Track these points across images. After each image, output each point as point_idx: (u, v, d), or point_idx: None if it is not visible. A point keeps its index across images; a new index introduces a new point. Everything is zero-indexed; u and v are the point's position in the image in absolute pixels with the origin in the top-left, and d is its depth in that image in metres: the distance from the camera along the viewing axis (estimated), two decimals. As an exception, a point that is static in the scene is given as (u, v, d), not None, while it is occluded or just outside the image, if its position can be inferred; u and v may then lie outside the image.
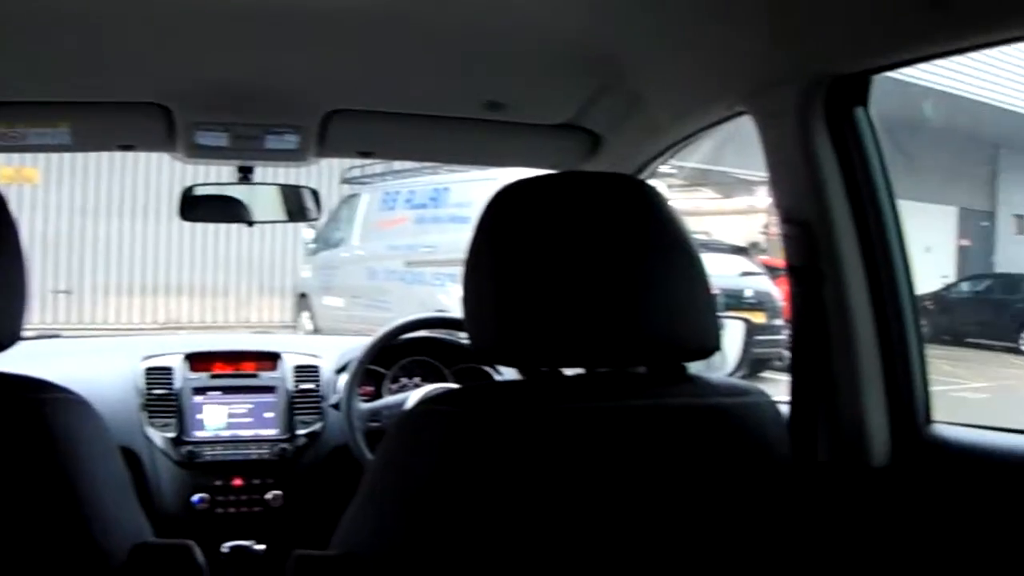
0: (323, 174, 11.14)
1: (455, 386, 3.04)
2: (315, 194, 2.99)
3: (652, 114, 2.29)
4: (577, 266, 1.45)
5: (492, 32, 2.08)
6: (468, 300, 1.54)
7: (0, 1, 1.93)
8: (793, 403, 1.85)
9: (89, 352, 3.44)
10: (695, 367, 1.60)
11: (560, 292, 1.44)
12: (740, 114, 2.00)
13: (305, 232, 13.71)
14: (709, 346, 1.55)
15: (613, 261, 1.46)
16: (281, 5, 1.95)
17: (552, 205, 1.50)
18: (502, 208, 1.52)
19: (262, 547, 2.93)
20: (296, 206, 2.98)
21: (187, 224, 15.58)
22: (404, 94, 2.45)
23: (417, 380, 3.16)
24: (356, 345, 3.11)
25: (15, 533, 1.42)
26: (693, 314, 1.52)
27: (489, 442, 1.43)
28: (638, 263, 1.47)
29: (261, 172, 2.80)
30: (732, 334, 2.73)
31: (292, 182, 2.99)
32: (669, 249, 1.51)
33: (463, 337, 3.28)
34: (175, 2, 1.94)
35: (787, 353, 1.93)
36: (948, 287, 17.75)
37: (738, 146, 11.03)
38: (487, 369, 3.20)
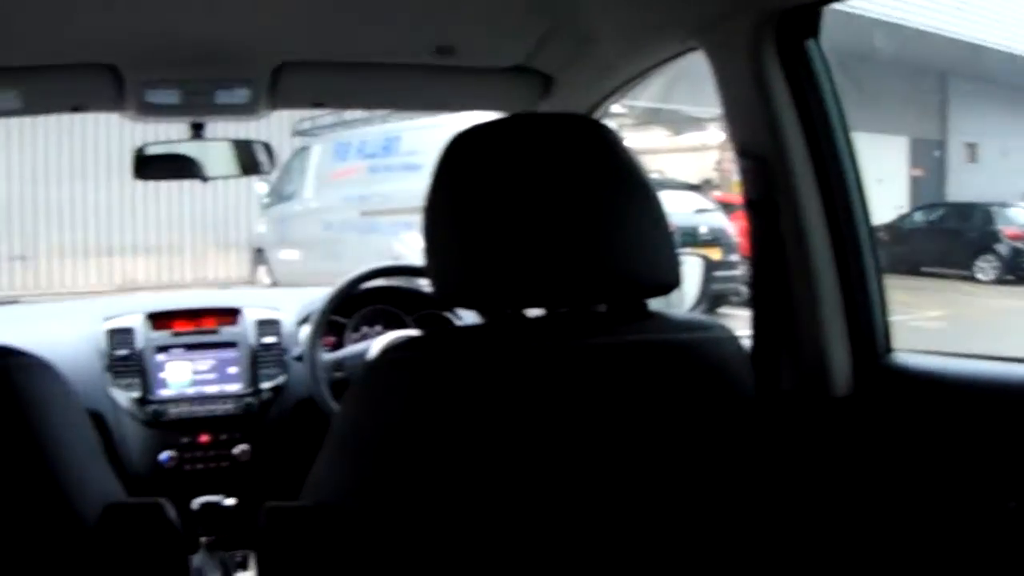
0: (273, 127, 11.06)
1: (417, 333, 3.05)
2: (267, 147, 2.98)
3: (603, 53, 2.29)
4: (536, 207, 1.46)
5: None
6: (429, 246, 1.55)
7: None
8: (755, 336, 1.87)
9: (50, 316, 3.42)
10: (655, 304, 1.61)
11: (520, 233, 1.45)
12: (692, 50, 2.01)
13: (258, 187, 13.65)
14: (669, 282, 1.56)
15: (571, 201, 1.47)
16: None
17: (508, 148, 1.50)
18: (459, 154, 1.52)
19: (232, 501, 2.94)
20: (249, 160, 2.96)
21: (140, 184, 15.38)
22: (354, 43, 2.44)
23: (379, 328, 3.17)
24: (316, 297, 3.11)
25: None
26: (652, 251, 1.53)
27: (454, 386, 1.44)
28: (596, 202, 1.48)
29: (211, 128, 2.79)
30: (690, 271, 2.74)
31: (243, 136, 2.98)
32: (626, 187, 1.52)
33: (422, 285, 3.29)
34: None
35: (744, 288, 1.95)
36: (902, 217, 17.90)
37: (688, 84, 11.06)
38: (447, 315, 3.21)
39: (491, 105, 2.72)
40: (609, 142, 1.54)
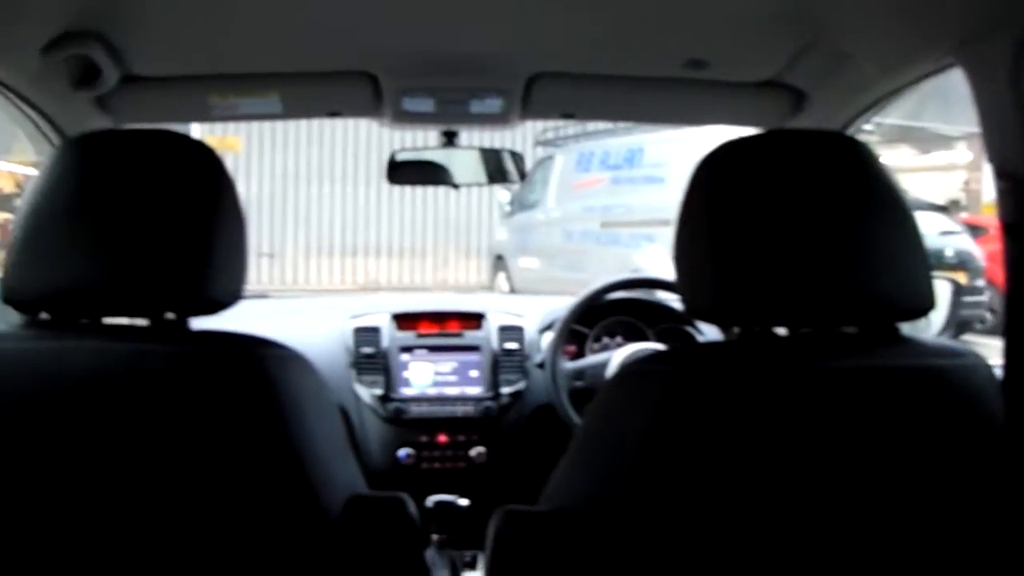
0: (516, 137, 11.19)
1: (659, 346, 3.05)
2: (516, 157, 3.02)
3: (858, 70, 2.24)
4: (791, 225, 1.44)
5: None
6: (680, 260, 1.54)
7: None
8: (1007, 367, 1.80)
9: (300, 312, 3.55)
10: (903, 329, 1.57)
11: (774, 251, 1.43)
12: (949, 67, 1.95)
13: (501, 195, 13.80)
14: (923, 306, 1.52)
15: (827, 220, 1.44)
16: None
17: (764, 165, 1.48)
18: (715, 168, 1.51)
19: (466, 502, 2.99)
20: (496, 169, 3.02)
21: (385, 187, 16.00)
22: (606, 55, 2.45)
23: (619, 340, 3.18)
24: (559, 305, 3.14)
25: (237, 486, 1.47)
26: (908, 273, 1.50)
27: (702, 402, 1.43)
28: (852, 221, 1.45)
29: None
30: (939, 295, 2.66)
31: (487, 145, 3.03)
32: (883, 208, 1.48)
33: (664, 297, 3.28)
34: None
35: (989, 315, 1.87)
36: None
37: (940, 101, 10.70)
38: (689, 330, 3.20)
39: (742, 120, 2.70)
40: (867, 161, 1.51)
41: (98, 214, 1.51)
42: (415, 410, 3.04)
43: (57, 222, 1.52)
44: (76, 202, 1.52)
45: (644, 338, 3.16)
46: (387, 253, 17.59)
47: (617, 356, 2.98)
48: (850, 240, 1.44)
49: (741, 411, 1.43)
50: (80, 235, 1.51)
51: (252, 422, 1.49)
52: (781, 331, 1.56)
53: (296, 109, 2.72)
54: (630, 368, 1.56)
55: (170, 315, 1.57)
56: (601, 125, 10.90)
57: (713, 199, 1.49)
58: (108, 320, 1.59)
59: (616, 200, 10.93)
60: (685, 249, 1.53)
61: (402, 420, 3.03)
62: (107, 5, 2.08)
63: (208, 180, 1.54)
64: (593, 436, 1.56)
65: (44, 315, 1.58)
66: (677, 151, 9.36)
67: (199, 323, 1.59)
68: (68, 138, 2.35)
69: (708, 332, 3.16)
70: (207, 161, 1.56)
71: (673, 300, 3.21)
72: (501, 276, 13.77)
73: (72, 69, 2.30)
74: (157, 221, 1.50)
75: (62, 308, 1.57)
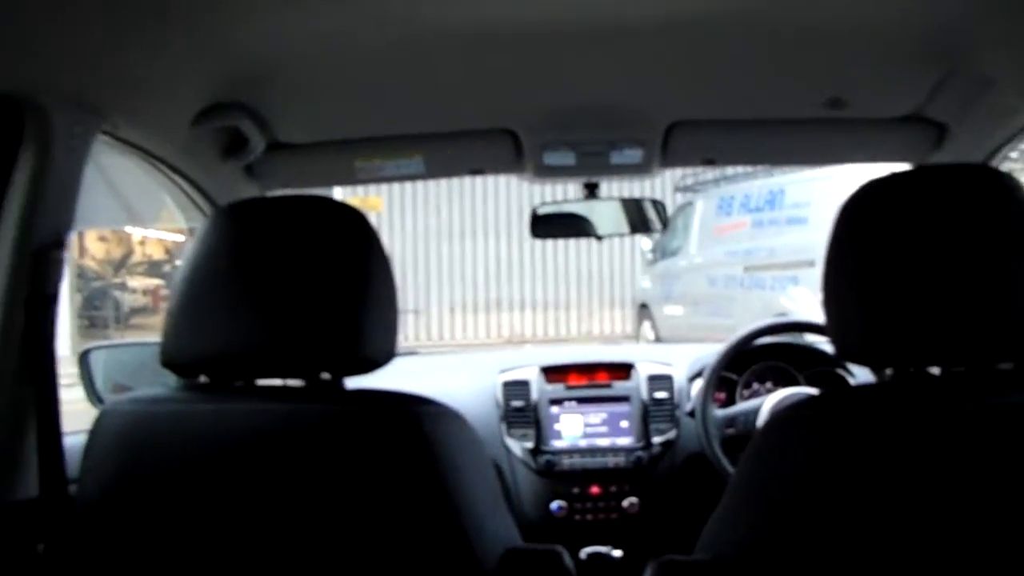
0: (656, 184, 11.18)
1: (811, 390, 3.01)
2: (658, 205, 3.03)
3: (1001, 98, 2.20)
4: (940, 263, 1.41)
5: (835, 29, 2.05)
6: (828, 302, 1.53)
7: (354, 45, 2.05)
8: None
9: (449, 367, 3.58)
10: None
11: (924, 290, 1.41)
12: None
13: (643, 243, 13.78)
14: None
15: (976, 255, 1.42)
16: (623, 24, 1.98)
17: (911, 202, 1.46)
18: (861, 208, 1.50)
19: (620, 553, 2.98)
20: (639, 218, 3.03)
21: (527, 241, 16.10)
22: (745, 99, 2.45)
23: (769, 385, 3.15)
24: (707, 352, 3.13)
25: (395, 540, 1.50)
26: None
27: (857, 447, 1.41)
28: (1002, 255, 1.43)
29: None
30: None
31: (626, 195, 3.04)
32: None
33: (813, 341, 3.24)
34: (520, 32, 2.00)
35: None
36: None
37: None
38: (840, 372, 3.15)
39: (884, 156, 2.67)
40: (1014, 193, 1.48)
41: (254, 279, 1.55)
42: (566, 462, 3.04)
43: (213, 288, 1.57)
44: (232, 268, 1.57)
45: (794, 383, 3.12)
46: (531, 306, 17.66)
47: (768, 402, 2.95)
48: (1001, 275, 1.42)
49: (898, 454, 1.40)
50: (237, 300, 1.56)
51: (409, 479, 1.51)
52: (934, 370, 1.54)
53: (439, 168, 2.76)
54: (782, 414, 1.55)
55: (325, 375, 1.61)
56: (740, 168, 10.82)
57: (859, 239, 1.48)
58: (261, 381, 1.63)
59: (759, 243, 10.82)
60: (833, 290, 1.52)
61: (554, 472, 3.03)
62: (254, 78, 2.15)
63: (359, 242, 1.58)
64: (748, 484, 1.55)
65: (203, 378, 1.63)
66: (819, 191, 9.24)
67: (353, 382, 1.63)
68: (220, 206, 2.42)
69: (860, 374, 3.11)
70: (357, 224, 1.60)
71: (823, 343, 3.17)
72: (646, 325, 13.72)
73: (220, 139, 2.38)
74: (312, 284, 1.54)
75: (220, 371, 1.62)
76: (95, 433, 1.63)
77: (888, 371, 1.57)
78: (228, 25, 1.91)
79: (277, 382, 1.65)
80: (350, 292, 1.54)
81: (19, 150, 1.79)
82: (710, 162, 2.92)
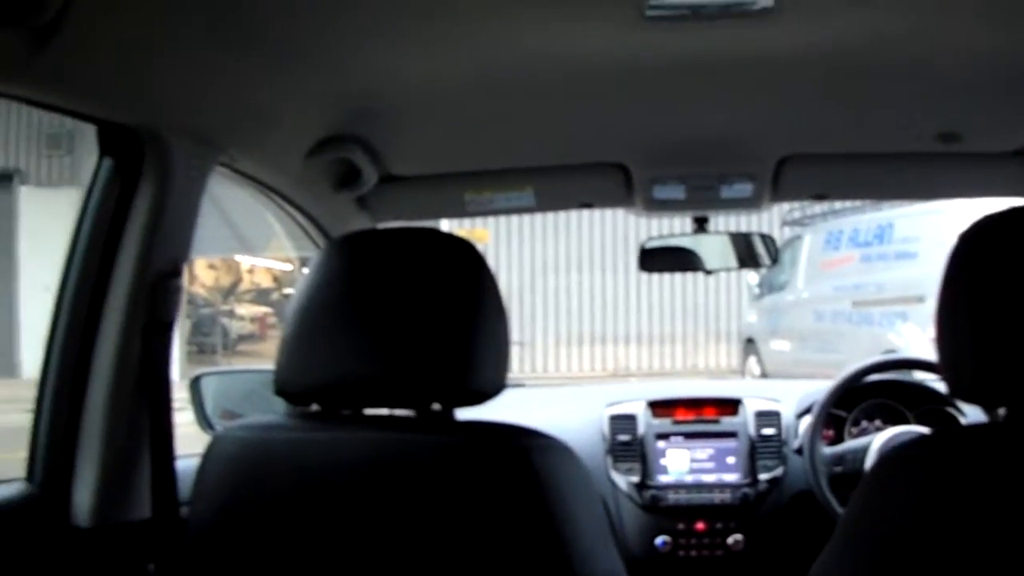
0: (763, 218, 11.09)
1: (921, 429, 2.96)
2: (767, 240, 3.01)
3: None
4: None
5: (947, 62, 2.03)
6: (942, 339, 1.51)
7: (466, 79, 2.07)
8: None
9: (556, 400, 3.59)
10: None
11: None
12: None
13: (750, 277, 13.69)
14: None
15: None
16: (734, 58, 1.98)
17: None
18: (976, 243, 1.48)
19: None
20: (747, 253, 3.01)
21: (633, 274, 16.08)
22: (857, 134, 2.43)
23: (878, 423, 3.10)
24: (815, 389, 3.09)
25: (502, 571, 1.50)
26: None
27: (970, 488, 1.39)
28: None
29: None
30: None
31: (732, 229, 3.03)
32: None
33: (924, 379, 3.20)
34: (631, 66, 2.01)
35: None
36: None
37: None
38: (951, 411, 3.10)
39: (997, 191, 2.64)
40: None
41: (368, 310, 1.57)
42: (672, 497, 3.03)
43: (328, 318, 1.60)
44: (346, 299, 1.60)
45: (904, 421, 3.08)
46: (636, 340, 17.62)
47: (877, 440, 2.91)
48: None
49: (1011, 497, 1.38)
50: (351, 330, 1.58)
51: (518, 512, 1.51)
52: None
53: (549, 202, 2.78)
54: (892, 453, 1.52)
55: (436, 406, 1.62)
56: (849, 202, 10.71)
57: (975, 274, 1.46)
58: (369, 411, 1.65)
59: (867, 278, 10.70)
60: (946, 327, 1.50)
61: (659, 507, 3.02)
62: (368, 111, 2.19)
63: (471, 274, 1.60)
64: (857, 524, 1.53)
65: (315, 406, 1.66)
66: (929, 225, 9.11)
67: (463, 413, 1.64)
68: (333, 237, 2.46)
69: (971, 413, 3.06)
70: (469, 256, 1.61)
71: (933, 380, 3.13)
72: (752, 359, 13.61)
73: (333, 171, 2.42)
74: (425, 316, 1.55)
75: (332, 400, 1.64)
76: (208, 458, 1.66)
77: (1001, 411, 1.54)
78: (344, 60, 1.95)
79: (384, 411, 1.68)
80: (463, 324, 1.55)
81: (139, 181, 1.84)
82: (821, 197, 2.90)
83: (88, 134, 1.86)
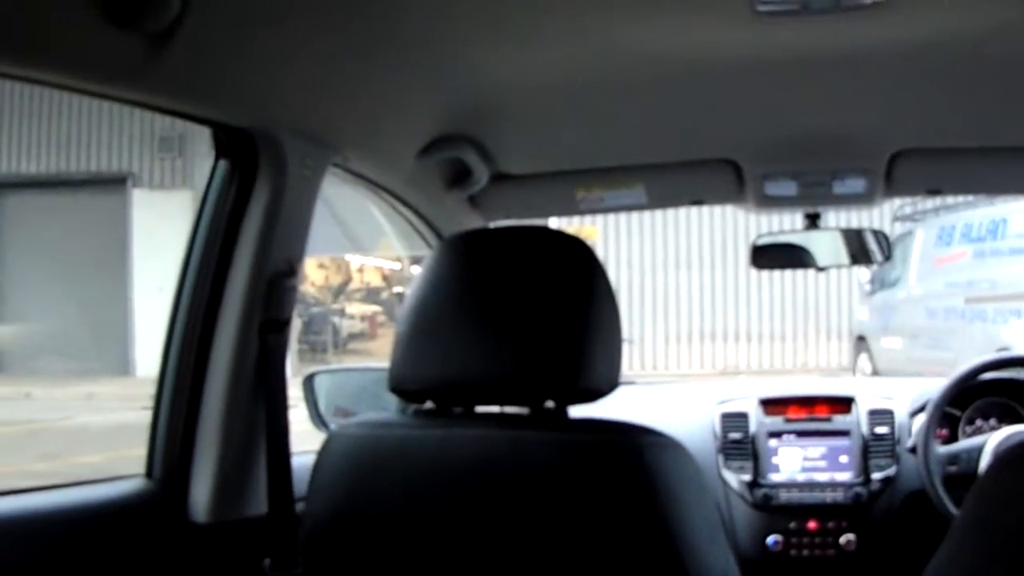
0: (873, 213, 10.97)
1: None
2: (880, 236, 2.98)
3: None
4: None
5: None
6: None
7: (578, 77, 2.09)
8: None
9: (667, 398, 3.58)
10: None
11: None
12: None
13: (861, 274, 13.50)
14: None
15: None
16: (847, 52, 1.97)
17: None
18: None
19: None
20: (859, 249, 2.98)
21: (742, 272, 15.98)
22: (972, 127, 2.40)
23: (993, 422, 3.05)
24: (929, 387, 3.05)
25: (615, 568, 1.51)
26: None
27: None
28: None
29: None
30: None
31: (842, 225, 3.00)
32: None
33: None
34: (742, 62, 2.01)
35: None
36: None
37: None
38: None
39: None
40: None
41: (482, 309, 1.59)
42: (784, 496, 3.01)
43: (442, 316, 1.62)
44: (460, 297, 1.62)
45: (1020, 420, 3.02)
46: (746, 338, 17.50)
47: (992, 440, 2.87)
48: None
49: None
50: (465, 329, 1.60)
51: (632, 509, 1.52)
52: None
53: (660, 199, 2.78)
54: (1008, 453, 1.51)
55: (550, 403, 1.63)
56: (961, 197, 10.53)
57: None
58: (480, 408, 1.67)
59: (980, 274, 10.51)
60: None
61: (771, 506, 3.00)
62: (479, 110, 2.21)
63: (584, 272, 1.61)
64: (973, 525, 1.51)
65: (429, 404, 1.68)
66: (1045, 221, 8.94)
67: (576, 411, 1.65)
68: (445, 236, 2.48)
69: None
70: (582, 254, 1.62)
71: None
72: (863, 357, 13.42)
73: (445, 170, 2.44)
74: (539, 314, 1.57)
75: (446, 397, 1.66)
76: (324, 454, 1.69)
77: None
78: (456, 60, 1.98)
79: (495, 409, 1.70)
80: (577, 322, 1.56)
81: (255, 183, 1.88)
82: (935, 192, 2.87)
83: (199, 137, 1.92)
